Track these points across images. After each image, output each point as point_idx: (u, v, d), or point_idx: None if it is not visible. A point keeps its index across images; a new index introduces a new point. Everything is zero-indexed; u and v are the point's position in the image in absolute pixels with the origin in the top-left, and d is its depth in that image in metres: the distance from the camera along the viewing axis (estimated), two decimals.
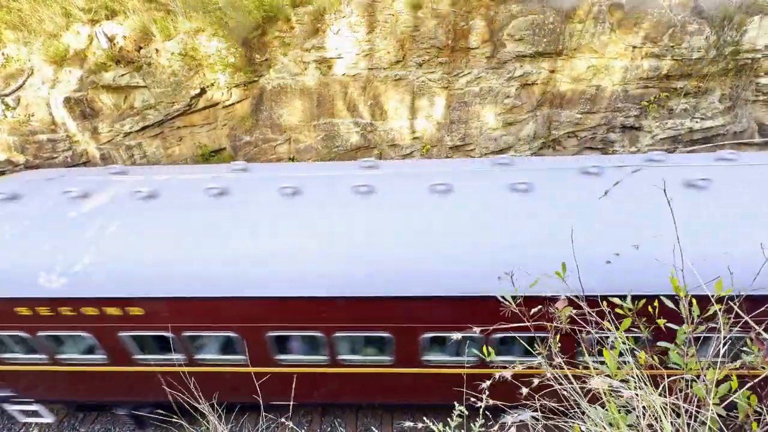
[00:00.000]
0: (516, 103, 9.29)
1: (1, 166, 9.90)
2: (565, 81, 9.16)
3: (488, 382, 2.24)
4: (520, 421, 2.30)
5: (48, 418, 6.82)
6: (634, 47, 8.60)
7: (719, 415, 1.71)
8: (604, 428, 1.89)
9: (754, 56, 8.54)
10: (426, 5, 8.42)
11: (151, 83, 9.12)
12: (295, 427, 3.82)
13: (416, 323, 4.93)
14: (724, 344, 1.74)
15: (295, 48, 8.93)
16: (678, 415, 1.81)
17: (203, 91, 9.28)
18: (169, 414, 4.12)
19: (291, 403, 3.75)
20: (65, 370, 5.70)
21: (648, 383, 1.82)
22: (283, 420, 5.29)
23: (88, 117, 9.53)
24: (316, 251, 4.76)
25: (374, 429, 5.13)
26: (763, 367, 1.78)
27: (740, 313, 1.76)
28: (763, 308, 2.03)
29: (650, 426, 1.76)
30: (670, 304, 1.97)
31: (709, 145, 9.47)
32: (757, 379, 1.76)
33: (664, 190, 2.12)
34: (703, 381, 1.72)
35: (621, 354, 1.97)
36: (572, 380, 2.07)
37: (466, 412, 2.75)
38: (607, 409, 1.84)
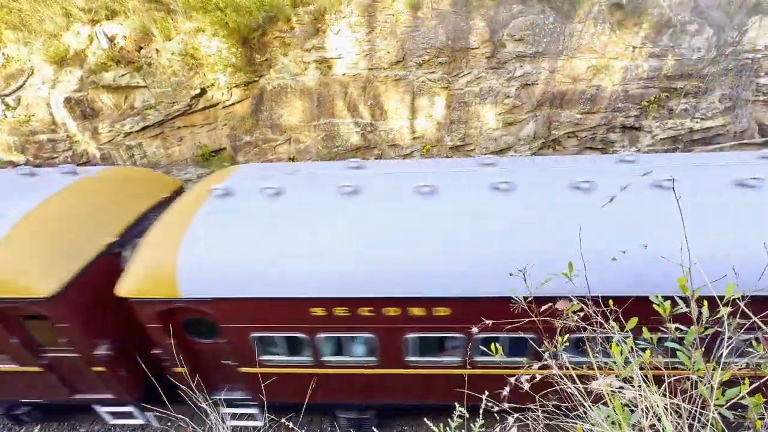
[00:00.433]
0: (516, 103, 9.29)
1: (1, 166, 9.90)
2: (565, 81, 9.16)
3: (507, 389, 2.23)
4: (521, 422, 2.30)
5: (259, 422, 6.54)
6: (634, 47, 8.61)
7: (725, 417, 1.71)
8: (606, 428, 1.88)
9: (754, 56, 8.54)
10: (426, 5, 8.42)
11: (152, 83, 9.12)
12: (295, 427, 3.82)
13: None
14: (728, 346, 1.74)
15: (295, 48, 8.92)
16: (680, 416, 1.81)
17: (203, 91, 9.28)
18: None
19: None
20: (335, 373, 5.51)
21: (651, 383, 1.82)
22: (283, 420, 5.28)
23: (89, 117, 9.53)
24: None
25: (375, 429, 5.12)
26: None
27: (747, 312, 1.76)
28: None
29: (652, 426, 1.76)
30: (682, 305, 1.97)
31: (710, 146, 9.48)
32: (763, 380, 1.76)
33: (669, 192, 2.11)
34: (708, 381, 1.72)
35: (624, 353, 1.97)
36: (576, 380, 2.06)
37: (467, 414, 2.75)
38: (612, 408, 1.84)
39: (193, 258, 4.82)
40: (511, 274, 2.55)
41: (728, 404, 1.72)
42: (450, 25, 8.54)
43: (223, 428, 3.35)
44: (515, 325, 2.55)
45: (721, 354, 1.76)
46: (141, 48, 8.92)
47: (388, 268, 4.64)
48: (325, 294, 4.67)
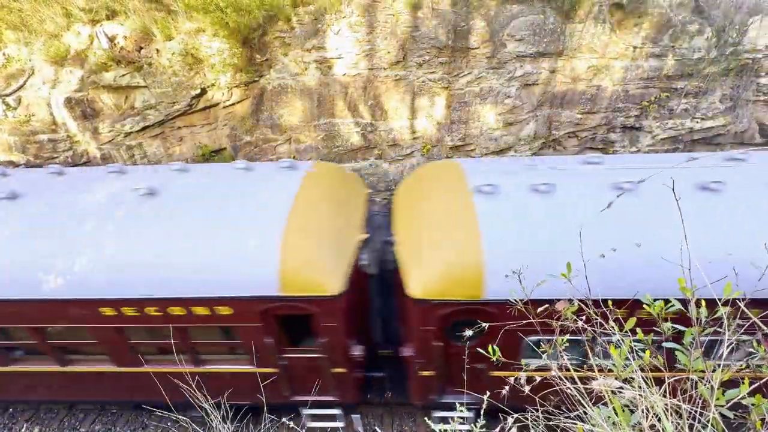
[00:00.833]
0: (516, 103, 9.29)
1: (2, 167, 9.90)
2: (566, 81, 9.16)
3: (506, 388, 2.23)
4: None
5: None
6: (635, 47, 8.61)
7: (726, 417, 1.71)
8: (607, 429, 1.88)
9: (754, 56, 8.54)
10: (426, 5, 8.42)
11: (152, 83, 9.12)
12: (295, 426, 3.82)
13: None
14: (728, 346, 1.74)
15: (295, 48, 8.93)
16: (681, 416, 1.81)
17: (204, 91, 9.28)
18: None
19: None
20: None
21: (651, 383, 1.82)
22: (284, 420, 5.29)
23: (89, 117, 9.53)
24: None
25: (377, 429, 5.13)
26: None
27: (747, 313, 1.76)
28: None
29: (652, 427, 1.76)
30: (677, 304, 1.97)
31: (710, 146, 9.48)
32: (763, 380, 1.76)
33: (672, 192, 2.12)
34: (708, 382, 1.72)
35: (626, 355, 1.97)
36: (576, 380, 2.06)
37: (468, 414, 2.75)
38: (612, 408, 1.84)
39: (501, 259, 4.57)
40: (506, 276, 2.54)
41: (729, 404, 1.72)
42: (450, 25, 8.54)
43: (224, 428, 3.35)
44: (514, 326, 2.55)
45: (721, 354, 1.76)
46: (141, 48, 8.93)
47: None
48: None
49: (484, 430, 2.72)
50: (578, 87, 9.15)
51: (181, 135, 9.90)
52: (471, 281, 4.56)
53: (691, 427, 1.81)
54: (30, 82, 9.24)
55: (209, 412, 3.22)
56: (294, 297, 4.72)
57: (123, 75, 9.06)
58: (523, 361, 2.62)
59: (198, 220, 5.19)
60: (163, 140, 9.90)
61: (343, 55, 8.94)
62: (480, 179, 5.43)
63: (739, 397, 1.68)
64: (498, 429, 2.55)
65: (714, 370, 1.75)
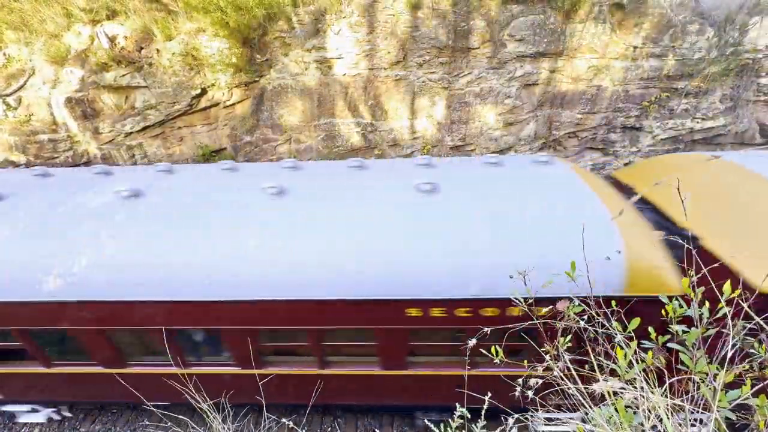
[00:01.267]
0: (516, 104, 9.29)
1: (2, 166, 9.90)
2: (566, 81, 9.16)
3: (519, 389, 2.22)
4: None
5: None
6: (635, 47, 8.60)
7: (728, 418, 1.70)
8: (608, 430, 1.88)
9: (755, 56, 8.54)
10: (426, 5, 8.42)
11: (152, 83, 9.12)
12: (295, 426, 3.82)
13: None
14: (732, 347, 1.73)
15: (295, 48, 8.93)
16: (683, 417, 1.80)
17: (204, 91, 9.28)
18: None
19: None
20: None
21: (655, 383, 1.82)
22: (284, 420, 5.28)
23: (89, 117, 9.53)
24: None
25: (376, 430, 5.12)
26: None
27: (751, 313, 1.76)
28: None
29: (654, 427, 1.75)
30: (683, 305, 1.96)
31: (710, 146, 9.47)
32: (766, 381, 1.76)
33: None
34: (711, 382, 1.71)
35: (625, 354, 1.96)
36: (578, 380, 2.06)
37: (468, 414, 2.74)
38: (614, 409, 1.83)
39: None
40: (511, 277, 2.54)
41: (732, 405, 1.72)
42: (450, 25, 8.54)
43: (223, 429, 3.34)
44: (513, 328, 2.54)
45: (725, 354, 1.75)
46: (142, 48, 8.93)
47: None
48: None
49: (484, 430, 2.71)
50: (578, 87, 9.15)
51: (182, 135, 9.90)
52: None
53: (692, 427, 1.81)
54: (30, 82, 9.24)
55: None
56: (642, 297, 4.35)
57: (123, 75, 9.06)
58: (525, 362, 2.61)
59: (510, 217, 4.88)
60: (163, 140, 9.90)
61: (343, 55, 8.94)
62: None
63: (742, 398, 1.68)
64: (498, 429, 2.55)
65: (717, 371, 1.75)
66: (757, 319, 1.85)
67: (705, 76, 8.68)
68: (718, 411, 1.65)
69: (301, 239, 4.74)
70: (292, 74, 9.20)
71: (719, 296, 1.84)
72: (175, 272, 4.64)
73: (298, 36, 8.81)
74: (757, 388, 1.69)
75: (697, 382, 1.79)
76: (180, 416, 4.35)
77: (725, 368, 1.75)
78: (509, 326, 2.61)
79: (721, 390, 1.69)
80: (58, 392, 6.23)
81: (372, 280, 4.53)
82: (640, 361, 1.93)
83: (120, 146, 9.82)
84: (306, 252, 4.64)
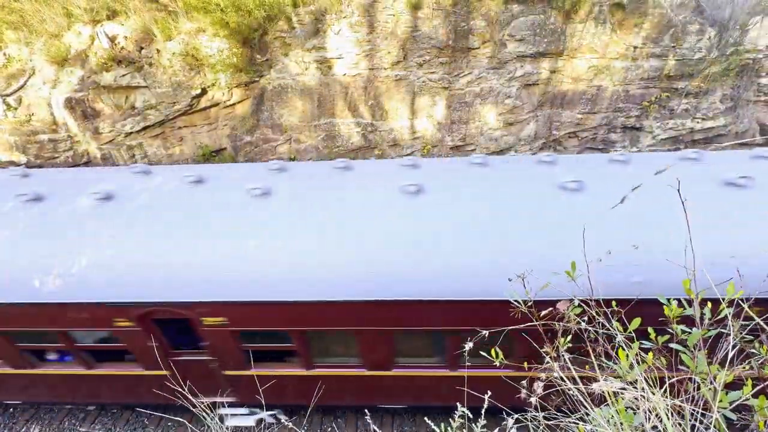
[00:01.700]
0: (517, 104, 9.29)
1: (2, 167, 9.90)
2: (566, 81, 9.16)
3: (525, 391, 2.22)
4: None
5: None
6: (635, 47, 8.60)
7: (729, 418, 1.70)
8: (608, 430, 1.88)
9: (755, 56, 8.53)
10: (427, 5, 8.42)
11: (152, 83, 9.12)
12: (294, 427, 3.81)
13: None
14: (733, 347, 1.73)
15: (295, 48, 8.92)
16: (683, 417, 1.80)
17: (204, 91, 9.28)
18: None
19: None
20: None
21: (657, 384, 1.82)
22: (284, 420, 5.29)
23: (89, 117, 9.53)
24: None
25: (377, 430, 5.12)
26: None
27: (751, 314, 1.75)
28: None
29: (654, 428, 1.75)
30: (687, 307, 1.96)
31: (710, 146, 9.46)
32: (767, 381, 1.75)
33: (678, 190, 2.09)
34: (711, 383, 1.71)
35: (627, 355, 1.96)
36: (578, 381, 2.06)
37: (470, 414, 2.74)
38: (616, 410, 1.83)
39: None
40: (510, 280, 2.53)
41: (732, 406, 1.72)
42: (451, 25, 8.54)
43: (222, 428, 3.34)
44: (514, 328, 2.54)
45: (726, 355, 1.75)
46: (142, 48, 8.92)
47: None
48: None
49: (484, 430, 2.71)
50: (579, 87, 9.14)
51: (182, 135, 9.90)
52: None
53: (693, 428, 1.81)
54: (30, 82, 9.24)
55: None
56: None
57: (123, 75, 9.06)
58: (525, 364, 2.61)
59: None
60: (163, 140, 9.90)
61: (343, 55, 8.93)
62: None
63: (742, 399, 1.68)
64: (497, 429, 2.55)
65: (718, 371, 1.74)
66: (758, 319, 1.85)
67: (705, 76, 8.67)
68: (718, 411, 1.65)
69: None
70: (292, 74, 9.20)
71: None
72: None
73: (298, 36, 8.81)
74: (757, 389, 1.69)
75: (697, 383, 1.78)
76: (178, 418, 4.36)
77: (725, 368, 1.75)
78: (509, 327, 2.61)
79: (722, 390, 1.69)
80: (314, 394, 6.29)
81: None
82: (641, 362, 1.93)
83: (120, 146, 9.82)
84: None
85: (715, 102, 9.03)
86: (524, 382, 2.38)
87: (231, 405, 6.23)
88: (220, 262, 4.86)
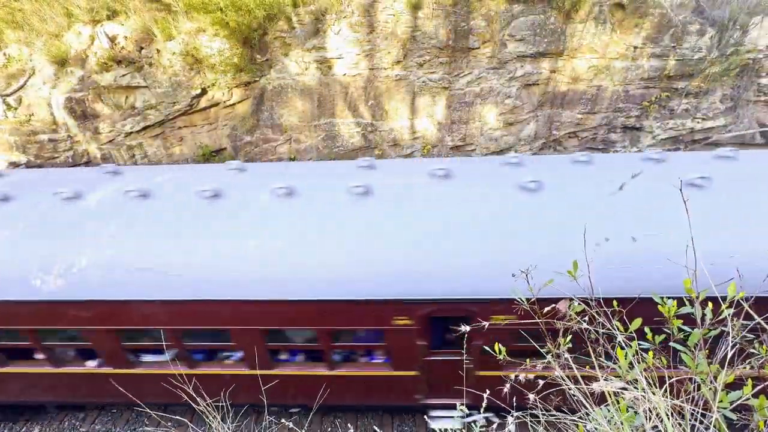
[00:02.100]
0: (517, 104, 9.29)
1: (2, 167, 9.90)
2: (566, 81, 9.15)
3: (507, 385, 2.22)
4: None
5: None
6: (635, 47, 8.60)
7: (729, 418, 1.70)
8: (609, 430, 1.88)
9: (755, 56, 8.53)
10: (427, 5, 8.42)
11: (152, 83, 9.12)
12: (294, 427, 3.81)
13: None
14: (732, 347, 1.73)
15: (296, 48, 8.92)
16: (683, 417, 1.80)
17: (204, 91, 9.27)
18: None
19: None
20: None
21: (657, 384, 1.82)
22: (283, 420, 5.28)
23: (89, 117, 9.53)
24: None
25: (377, 430, 5.12)
26: None
27: (752, 314, 1.75)
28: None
29: (655, 428, 1.75)
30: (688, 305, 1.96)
31: (710, 146, 9.46)
32: (767, 381, 1.75)
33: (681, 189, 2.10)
34: (711, 382, 1.71)
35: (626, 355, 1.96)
36: (580, 380, 2.06)
37: (468, 412, 2.74)
38: (617, 410, 1.83)
39: None
40: (513, 275, 2.53)
41: (733, 406, 1.71)
42: (451, 25, 8.54)
43: (223, 428, 3.34)
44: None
45: (725, 355, 1.75)
46: (142, 48, 8.92)
47: None
48: None
49: (484, 429, 2.71)
50: (579, 87, 9.14)
51: (182, 135, 9.90)
52: None
53: (693, 428, 1.81)
54: (30, 82, 9.24)
55: None
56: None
57: (123, 75, 9.06)
58: (528, 361, 2.61)
59: None
60: (163, 140, 9.90)
61: (343, 55, 8.93)
62: None
63: (743, 399, 1.67)
64: (495, 424, 2.55)
65: (718, 371, 1.74)
66: (759, 319, 1.84)
67: (705, 76, 8.67)
68: (718, 411, 1.65)
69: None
70: (292, 74, 9.19)
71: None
72: None
73: (299, 36, 8.81)
74: (758, 389, 1.69)
75: (697, 383, 1.78)
76: (179, 417, 4.35)
77: (725, 369, 1.75)
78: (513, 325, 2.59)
79: (722, 390, 1.69)
80: None
81: None
82: (641, 362, 1.93)
83: (120, 146, 9.82)
84: None
85: (715, 102, 9.03)
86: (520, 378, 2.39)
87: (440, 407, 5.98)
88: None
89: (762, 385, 1.79)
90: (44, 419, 7.31)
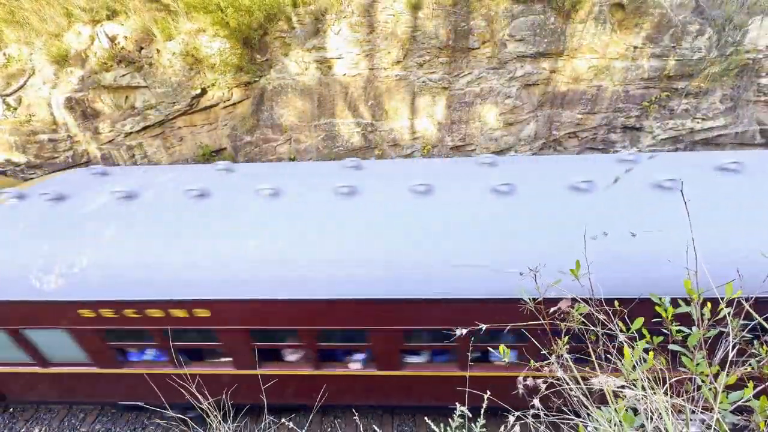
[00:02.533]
0: (517, 104, 9.29)
1: (2, 167, 9.90)
2: (566, 81, 9.16)
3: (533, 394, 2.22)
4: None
5: None
6: (635, 47, 8.60)
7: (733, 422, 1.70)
8: (609, 430, 1.88)
9: (755, 56, 8.53)
10: (426, 5, 8.42)
11: (152, 83, 9.12)
12: (294, 427, 3.81)
13: None
14: (733, 347, 1.73)
15: (295, 48, 8.93)
16: (684, 418, 1.80)
17: (204, 91, 9.28)
18: None
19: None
20: None
21: (659, 384, 1.82)
22: (283, 420, 5.28)
23: (89, 117, 9.53)
24: None
25: (376, 429, 5.11)
26: None
27: (753, 313, 1.76)
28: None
29: (655, 428, 1.75)
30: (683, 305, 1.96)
31: (711, 146, 9.47)
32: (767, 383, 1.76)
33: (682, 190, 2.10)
34: (711, 383, 1.71)
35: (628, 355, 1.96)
36: (579, 380, 2.06)
37: (469, 414, 2.74)
38: (616, 410, 1.83)
39: None
40: (521, 274, 2.53)
41: (733, 407, 1.72)
42: (451, 25, 8.54)
43: (223, 428, 3.34)
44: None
45: (726, 355, 1.75)
46: (142, 48, 8.92)
47: None
48: None
49: (484, 430, 2.71)
50: (579, 87, 9.15)
51: (182, 135, 9.90)
52: None
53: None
54: (30, 82, 9.24)
55: None
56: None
57: (123, 75, 9.06)
58: (531, 362, 2.62)
59: None
60: (163, 140, 9.90)
61: (343, 55, 8.93)
62: None
63: (744, 401, 1.68)
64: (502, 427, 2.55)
65: (719, 372, 1.74)
66: (759, 318, 1.85)
67: (705, 76, 8.68)
68: (719, 412, 1.65)
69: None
70: (292, 74, 9.20)
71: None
72: None
73: (298, 36, 8.81)
74: (758, 389, 1.69)
75: (698, 383, 1.79)
76: (179, 416, 4.35)
77: (726, 369, 1.75)
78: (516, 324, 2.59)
79: (722, 391, 1.69)
80: None
81: None
82: (641, 362, 1.93)
83: (120, 146, 9.82)
84: None
85: (715, 102, 9.03)
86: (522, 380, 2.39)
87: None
88: None
89: (762, 386, 1.80)
90: (44, 419, 7.31)
